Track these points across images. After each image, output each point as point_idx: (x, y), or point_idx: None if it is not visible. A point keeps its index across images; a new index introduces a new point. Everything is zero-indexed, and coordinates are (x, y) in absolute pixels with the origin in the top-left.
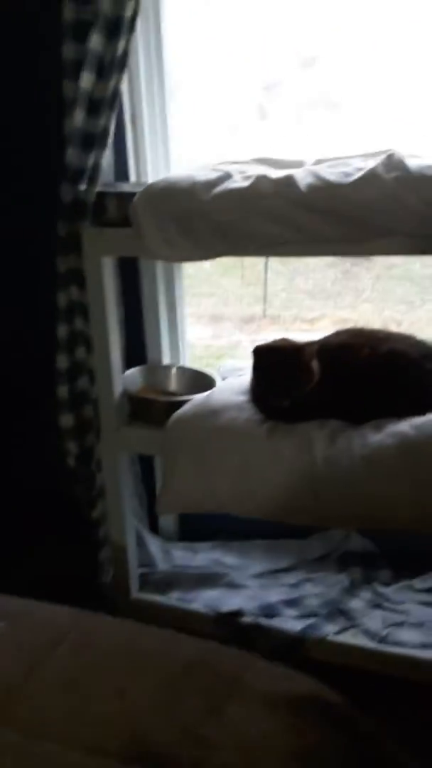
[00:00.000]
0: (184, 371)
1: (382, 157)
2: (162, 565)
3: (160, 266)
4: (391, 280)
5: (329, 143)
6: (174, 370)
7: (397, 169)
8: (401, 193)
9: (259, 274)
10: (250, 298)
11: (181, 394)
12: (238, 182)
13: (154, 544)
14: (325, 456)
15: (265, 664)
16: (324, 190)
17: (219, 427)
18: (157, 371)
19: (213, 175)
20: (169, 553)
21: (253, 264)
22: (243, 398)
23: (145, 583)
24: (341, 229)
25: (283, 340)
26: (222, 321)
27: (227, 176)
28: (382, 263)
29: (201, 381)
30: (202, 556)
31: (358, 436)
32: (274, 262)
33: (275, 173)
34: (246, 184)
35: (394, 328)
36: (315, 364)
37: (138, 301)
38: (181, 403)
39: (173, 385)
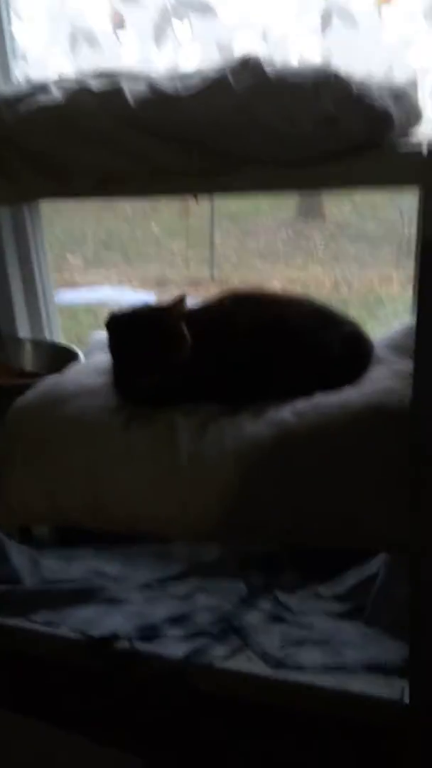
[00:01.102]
0: (40, 346)
1: (235, 63)
2: (29, 579)
3: (4, 211)
4: (343, 239)
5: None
6: (28, 345)
7: (254, 76)
8: (257, 106)
9: (208, 235)
10: (198, 261)
11: (38, 375)
12: (51, 97)
13: (18, 555)
14: (190, 451)
15: None
16: (157, 104)
17: (66, 418)
18: (4, 346)
19: (23, 89)
20: (39, 564)
21: (201, 224)
22: (103, 380)
23: (5, 603)
24: (184, 156)
25: (145, 306)
26: (167, 285)
27: (41, 89)
28: (336, 222)
29: (63, 358)
30: (78, 566)
31: (232, 425)
32: (224, 221)
33: (102, 84)
34: (61, 98)
35: (345, 289)
36: (184, 331)
37: None
38: (26, 388)
39: (28, 363)
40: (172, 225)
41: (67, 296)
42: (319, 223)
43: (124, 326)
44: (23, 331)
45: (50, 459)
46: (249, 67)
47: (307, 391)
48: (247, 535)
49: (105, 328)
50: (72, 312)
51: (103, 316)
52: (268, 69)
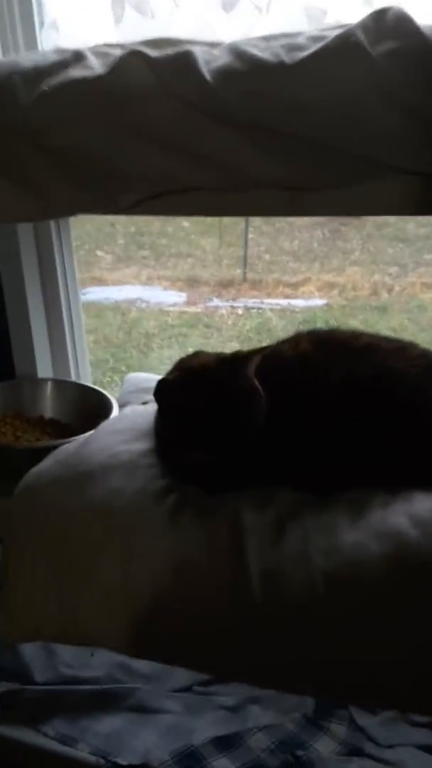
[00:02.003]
0: (64, 388)
1: (368, 17)
2: (41, 674)
3: (27, 232)
4: (382, 241)
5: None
6: (49, 387)
7: (397, 35)
8: (398, 80)
9: (241, 234)
10: (231, 260)
11: (61, 423)
12: (88, 68)
13: (29, 643)
14: (262, 568)
15: None
16: (249, 77)
17: (91, 506)
18: (21, 389)
19: (48, 59)
20: (54, 654)
21: (235, 222)
22: (141, 446)
23: (10, 706)
24: (290, 160)
25: (202, 354)
26: (198, 285)
27: (74, 58)
28: (373, 222)
29: (92, 403)
30: (101, 658)
31: (320, 528)
32: (257, 219)
33: (162, 52)
34: (101, 70)
35: (384, 293)
36: (258, 387)
37: None
38: (42, 452)
39: (47, 408)
40: (204, 222)
41: (94, 294)
42: (356, 223)
43: (185, 391)
44: (44, 369)
45: (70, 564)
46: (389, 18)
47: (427, 479)
48: (342, 697)
49: (156, 392)
50: (99, 309)
51: (131, 315)
52: (420, 25)
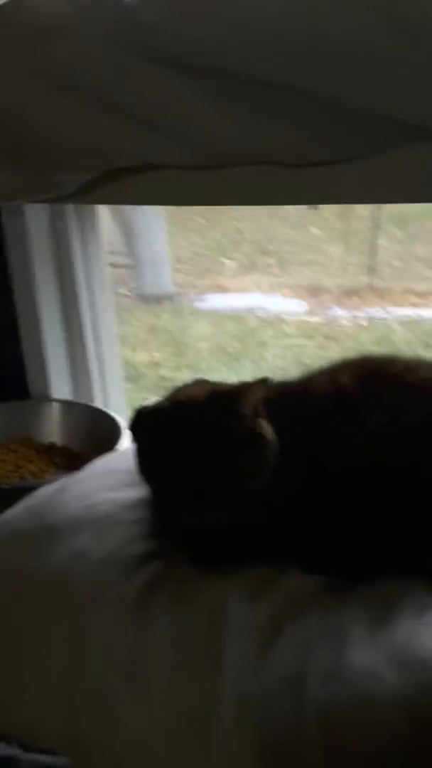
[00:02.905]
0: (71, 410)
1: None
2: None
3: (40, 225)
4: None
5: None
6: (56, 409)
7: None
8: None
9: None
10: (357, 268)
11: (72, 452)
12: None
13: None
14: (240, 693)
15: None
16: None
17: (43, 575)
18: (28, 411)
19: None
20: None
21: (366, 228)
22: (129, 494)
23: None
24: (262, 120)
25: (201, 383)
26: (321, 293)
27: None
28: None
29: (99, 428)
30: None
31: (328, 641)
32: (389, 224)
33: None
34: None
35: None
36: (267, 430)
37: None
38: (18, 493)
39: (56, 434)
40: (334, 228)
41: (214, 301)
42: None
43: (162, 428)
44: (62, 390)
45: (11, 643)
46: None
47: None
48: None
49: (131, 432)
50: (218, 317)
51: (250, 324)
52: None
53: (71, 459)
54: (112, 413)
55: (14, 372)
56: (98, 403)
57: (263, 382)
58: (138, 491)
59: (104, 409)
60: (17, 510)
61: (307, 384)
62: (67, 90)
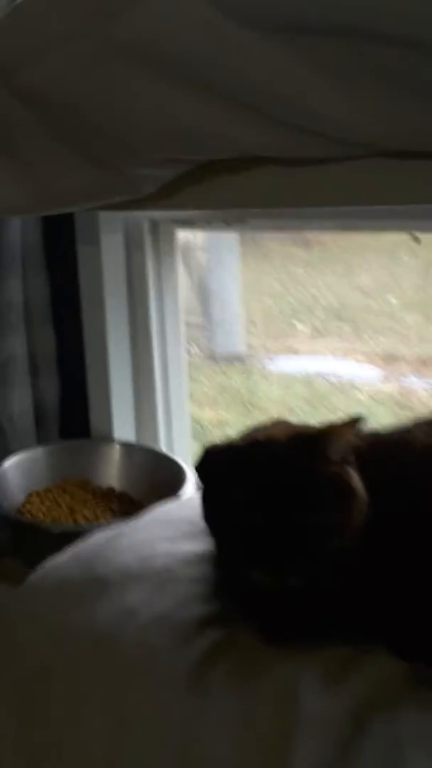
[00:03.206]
0: (133, 453)
1: None
2: None
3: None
4: None
5: None
6: (117, 451)
7: None
8: None
9: None
10: None
11: (131, 498)
12: None
13: None
14: None
15: None
16: None
17: (85, 635)
18: (84, 450)
19: None
20: None
21: None
22: (190, 547)
23: None
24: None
25: (281, 423)
26: (397, 362)
27: None
28: None
29: (161, 474)
30: None
31: (420, 746)
32: None
33: None
34: None
35: None
36: (357, 481)
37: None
38: (69, 538)
39: (115, 478)
40: (412, 298)
41: (286, 364)
42: None
43: (234, 469)
44: (125, 432)
45: (42, 714)
46: None
47: None
48: None
49: (196, 471)
50: (288, 380)
51: (319, 387)
52: None
53: (129, 505)
54: (176, 458)
55: (77, 410)
56: (162, 449)
57: (355, 423)
58: (200, 544)
59: (168, 453)
60: (66, 557)
61: (404, 435)
62: (151, 66)
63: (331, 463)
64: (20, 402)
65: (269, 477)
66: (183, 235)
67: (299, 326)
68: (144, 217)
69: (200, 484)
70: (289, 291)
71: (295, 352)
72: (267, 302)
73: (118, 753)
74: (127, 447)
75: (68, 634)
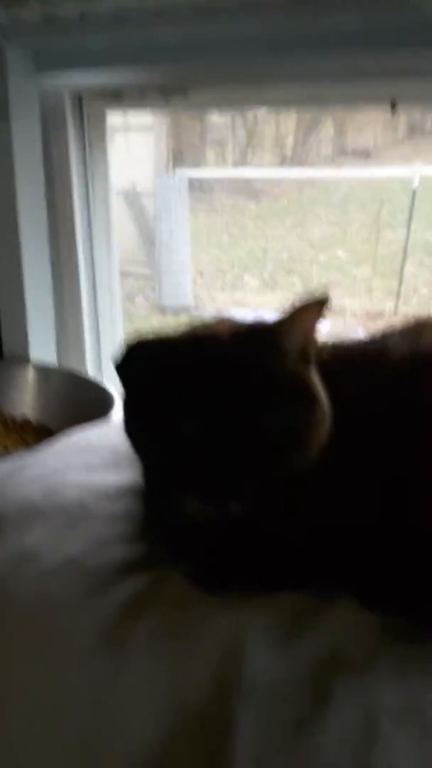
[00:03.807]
0: (50, 377)
1: None
2: None
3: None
4: None
5: None
6: (31, 373)
7: None
8: None
9: (398, 265)
10: (383, 292)
11: (48, 430)
12: None
13: None
14: None
15: None
16: None
17: None
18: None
19: None
20: None
21: (394, 253)
22: (114, 479)
23: None
24: None
25: (226, 321)
26: (344, 315)
27: None
28: None
29: (88, 400)
30: None
31: (397, 716)
32: (418, 250)
33: None
34: None
35: None
36: (319, 387)
37: None
38: None
39: (29, 407)
40: (360, 252)
41: (234, 316)
42: None
43: (164, 367)
44: (45, 351)
45: None
46: None
47: None
48: None
49: (117, 371)
50: None
51: None
52: None
53: (47, 438)
54: (103, 384)
55: None
56: (89, 374)
57: (320, 306)
58: (124, 475)
59: (93, 378)
60: None
61: (373, 347)
62: None
63: (288, 359)
64: None
65: (209, 376)
66: (126, 182)
67: (248, 279)
68: (63, 87)
69: (123, 387)
70: (238, 244)
71: (244, 304)
72: (216, 254)
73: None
74: (43, 370)
75: None
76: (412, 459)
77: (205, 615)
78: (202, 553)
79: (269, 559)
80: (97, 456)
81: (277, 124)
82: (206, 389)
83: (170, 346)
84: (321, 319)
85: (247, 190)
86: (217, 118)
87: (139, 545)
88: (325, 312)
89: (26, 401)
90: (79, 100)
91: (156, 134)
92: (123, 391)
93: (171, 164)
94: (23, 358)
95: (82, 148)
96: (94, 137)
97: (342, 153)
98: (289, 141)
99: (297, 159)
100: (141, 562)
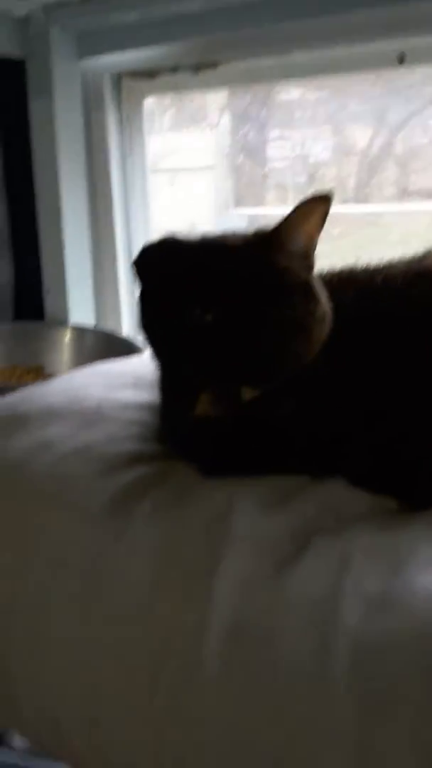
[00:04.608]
0: (85, 337)
1: None
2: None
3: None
4: None
5: None
6: (68, 335)
7: None
8: None
9: None
10: None
11: None
12: None
13: None
14: (235, 622)
15: None
16: None
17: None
18: (33, 335)
19: None
20: None
21: None
22: (131, 395)
23: None
24: None
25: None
26: None
27: None
28: None
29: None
30: None
31: (418, 572)
32: None
33: None
34: None
35: None
36: (322, 290)
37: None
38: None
39: (68, 365)
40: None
41: None
42: None
43: (180, 265)
44: (84, 315)
45: None
46: None
47: None
48: None
49: (134, 268)
50: None
51: None
52: None
53: None
54: (134, 341)
55: (33, 293)
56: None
57: (324, 201)
58: (142, 395)
59: (126, 338)
60: None
61: (378, 270)
62: None
63: (292, 257)
64: None
65: (221, 270)
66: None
67: None
68: (103, 69)
69: (138, 283)
70: None
71: None
72: None
73: (17, 592)
74: (80, 331)
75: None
76: (405, 354)
77: (203, 492)
78: (207, 443)
79: (268, 448)
80: (119, 378)
81: (339, 165)
82: (216, 283)
83: (183, 246)
84: (324, 217)
85: None
86: (278, 163)
87: (149, 444)
88: (328, 210)
89: (64, 360)
90: (118, 81)
91: (216, 174)
92: (139, 287)
93: (232, 204)
94: (62, 320)
95: (120, 126)
96: (132, 116)
97: (405, 194)
98: (351, 182)
99: (359, 199)
100: (150, 455)
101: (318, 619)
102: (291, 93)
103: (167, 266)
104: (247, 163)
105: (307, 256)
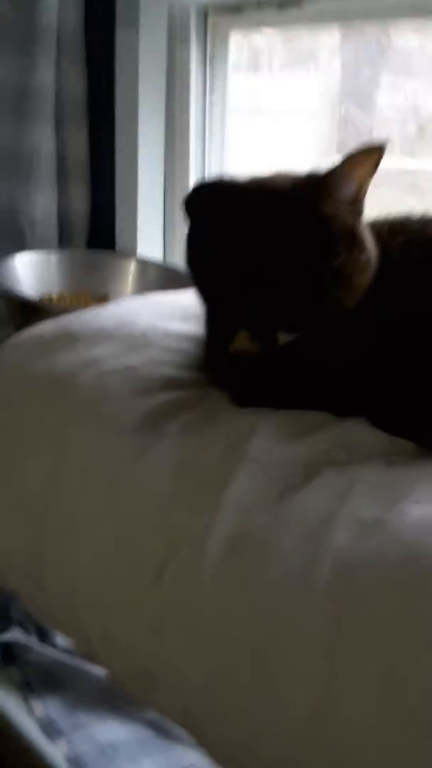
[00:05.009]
0: (147, 269)
1: None
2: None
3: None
4: None
5: None
6: (133, 266)
7: None
8: None
9: None
10: None
11: None
12: None
13: None
14: (234, 536)
15: None
16: None
17: (42, 379)
18: (98, 263)
19: None
20: None
21: None
22: (180, 327)
23: (13, 660)
24: None
25: (286, 173)
26: None
27: None
28: None
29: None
30: None
31: (416, 503)
32: None
33: None
34: None
35: None
36: (369, 237)
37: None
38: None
39: (129, 294)
40: None
41: None
42: None
43: (226, 206)
44: (153, 249)
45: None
46: None
47: None
48: None
49: (185, 207)
50: None
51: None
52: None
53: None
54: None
55: (107, 222)
56: None
57: (375, 153)
58: (189, 326)
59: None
60: (48, 322)
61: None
62: None
63: (340, 204)
64: (45, 205)
65: (267, 216)
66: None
67: None
68: (190, 2)
69: (188, 222)
70: None
71: None
72: None
73: (49, 498)
74: (144, 263)
75: (27, 380)
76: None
77: (229, 417)
78: (240, 374)
79: (298, 385)
80: (169, 308)
81: None
82: (261, 229)
83: (234, 188)
84: (376, 166)
85: (413, 186)
86: (387, 113)
87: (187, 371)
88: (380, 159)
89: (128, 291)
90: (204, 16)
91: (321, 119)
92: (189, 226)
93: (334, 151)
94: (131, 252)
95: (204, 63)
96: (216, 53)
97: None
98: None
99: None
100: (186, 382)
101: (310, 537)
102: (408, 39)
103: (216, 208)
104: (353, 110)
105: (355, 202)
